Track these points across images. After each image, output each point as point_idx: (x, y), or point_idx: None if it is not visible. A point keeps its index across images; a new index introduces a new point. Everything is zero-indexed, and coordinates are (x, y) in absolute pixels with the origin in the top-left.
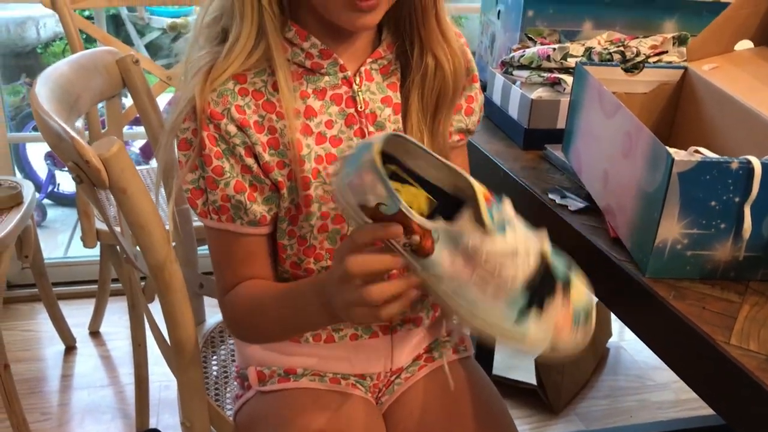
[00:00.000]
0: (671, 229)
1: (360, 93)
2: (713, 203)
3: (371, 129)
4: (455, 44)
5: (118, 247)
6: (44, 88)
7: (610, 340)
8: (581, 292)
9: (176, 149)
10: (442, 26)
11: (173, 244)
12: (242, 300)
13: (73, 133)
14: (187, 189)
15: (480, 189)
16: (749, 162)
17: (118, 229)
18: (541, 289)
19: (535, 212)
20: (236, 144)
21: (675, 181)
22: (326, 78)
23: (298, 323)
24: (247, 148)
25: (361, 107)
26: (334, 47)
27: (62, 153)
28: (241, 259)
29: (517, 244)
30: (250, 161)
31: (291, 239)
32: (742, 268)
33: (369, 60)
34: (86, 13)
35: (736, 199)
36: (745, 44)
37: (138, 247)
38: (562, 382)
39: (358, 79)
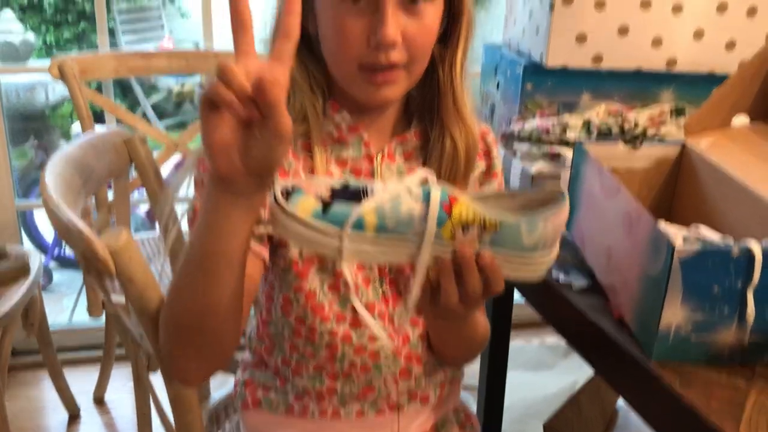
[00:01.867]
0: (675, 314)
1: (379, 171)
2: (716, 289)
3: None
4: (471, 123)
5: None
6: (53, 174)
7: (619, 401)
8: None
9: (196, 168)
10: (458, 105)
11: None
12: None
13: (81, 226)
14: (191, 207)
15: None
16: (750, 248)
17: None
18: None
19: (538, 290)
20: None
21: (677, 267)
22: (350, 150)
23: (202, 242)
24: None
25: None
26: (361, 122)
27: (71, 244)
28: None
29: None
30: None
31: (298, 293)
32: (748, 353)
33: (394, 142)
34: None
35: (739, 285)
36: (741, 119)
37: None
38: None
39: (379, 157)
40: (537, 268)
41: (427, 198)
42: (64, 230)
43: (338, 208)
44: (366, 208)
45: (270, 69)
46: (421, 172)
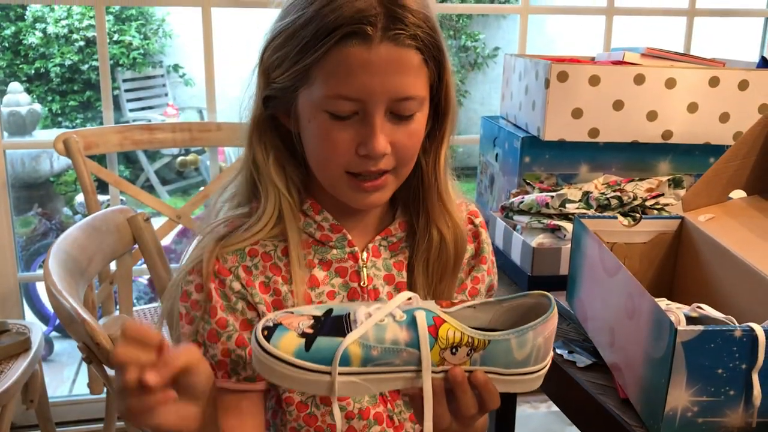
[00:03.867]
0: (680, 397)
1: (365, 268)
2: (720, 370)
3: None
4: (457, 215)
5: None
6: (57, 259)
7: None
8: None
9: (178, 300)
10: (443, 199)
11: None
12: None
13: (84, 315)
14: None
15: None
16: (752, 329)
17: None
18: None
19: None
20: (239, 299)
21: (680, 349)
22: (334, 251)
23: None
24: (249, 306)
25: (364, 283)
26: (344, 222)
27: (74, 333)
28: (228, 409)
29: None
30: (251, 314)
31: (289, 405)
32: None
33: (379, 237)
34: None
35: (743, 366)
36: (738, 193)
37: None
38: None
39: (365, 255)
40: (532, 381)
41: (412, 322)
42: (67, 319)
43: (322, 343)
44: (350, 340)
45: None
46: (404, 294)
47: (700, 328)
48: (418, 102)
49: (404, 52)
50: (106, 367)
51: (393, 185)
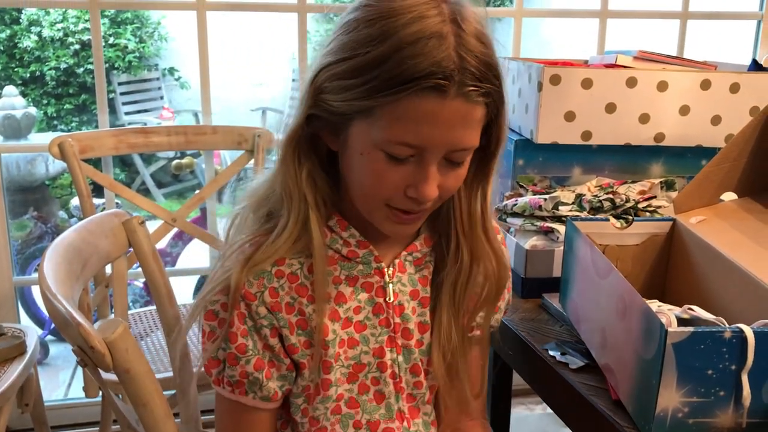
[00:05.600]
0: (671, 398)
1: (391, 284)
2: (710, 371)
3: (397, 320)
4: (500, 249)
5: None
6: (51, 263)
7: None
8: None
9: (202, 317)
10: (489, 236)
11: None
12: None
13: (78, 318)
14: (205, 357)
15: None
16: (742, 331)
17: None
18: None
19: (535, 369)
20: (263, 325)
21: (670, 351)
22: (360, 266)
23: None
24: (273, 329)
25: (389, 298)
26: (370, 237)
27: (68, 336)
28: (240, 423)
29: None
30: (273, 341)
31: (304, 417)
32: None
33: (404, 252)
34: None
35: (733, 367)
36: (729, 195)
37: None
38: None
39: (390, 270)
40: None
41: None
42: (62, 323)
43: None
44: None
45: None
46: None
47: (690, 329)
48: (473, 150)
49: (473, 107)
50: (101, 371)
51: (426, 215)
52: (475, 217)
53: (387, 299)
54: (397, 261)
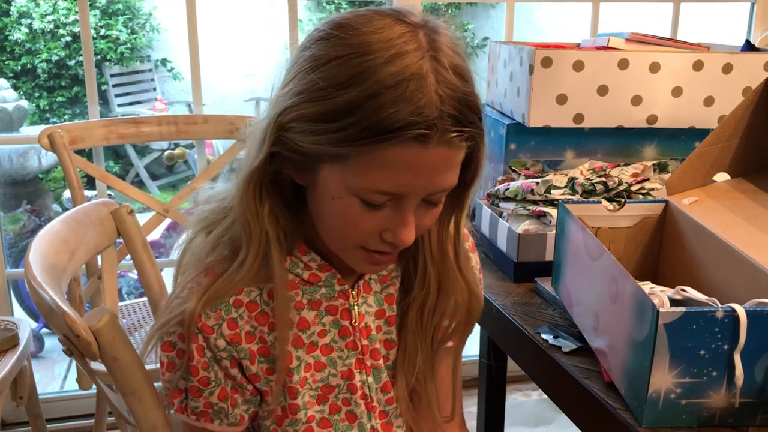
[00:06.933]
0: (663, 379)
1: (356, 305)
2: (702, 352)
3: (365, 342)
4: (473, 285)
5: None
6: (37, 253)
7: None
8: None
9: (159, 348)
10: (461, 267)
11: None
12: None
13: (64, 307)
14: (166, 387)
15: None
16: (734, 310)
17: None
18: None
19: (528, 353)
20: (223, 357)
21: (662, 331)
22: (323, 290)
23: None
24: (233, 360)
25: (355, 321)
26: (332, 260)
27: (54, 326)
28: None
29: None
30: (234, 371)
31: None
32: (740, 415)
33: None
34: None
35: (725, 347)
36: (722, 176)
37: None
38: None
39: (355, 292)
40: None
41: None
42: (47, 312)
43: None
44: None
45: None
46: None
47: (682, 309)
48: (451, 188)
49: (455, 152)
50: (90, 361)
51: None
52: (445, 248)
53: (353, 322)
54: (361, 282)
